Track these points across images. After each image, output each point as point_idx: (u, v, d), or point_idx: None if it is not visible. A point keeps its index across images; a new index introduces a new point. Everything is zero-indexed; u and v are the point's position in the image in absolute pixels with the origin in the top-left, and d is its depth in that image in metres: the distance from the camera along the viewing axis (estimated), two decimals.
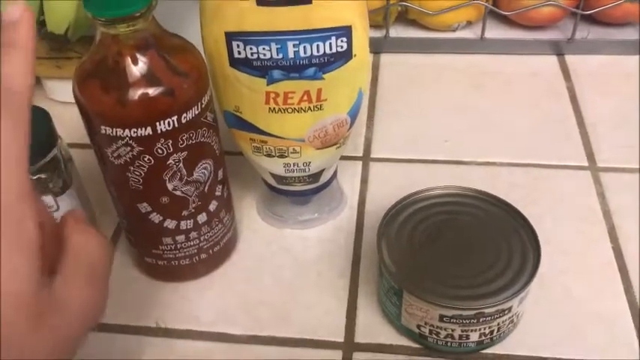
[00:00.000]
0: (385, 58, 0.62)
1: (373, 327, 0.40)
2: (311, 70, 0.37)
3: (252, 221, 0.47)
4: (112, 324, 0.41)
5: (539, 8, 0.59)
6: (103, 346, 0.40)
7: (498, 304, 0.36)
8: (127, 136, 0.34)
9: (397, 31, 0.63)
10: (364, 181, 0.50)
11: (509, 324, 0.38)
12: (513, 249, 0.38)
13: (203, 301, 0.42)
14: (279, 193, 0.45)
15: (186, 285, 0.43)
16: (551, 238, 0.44)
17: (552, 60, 0.62)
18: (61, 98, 0.58)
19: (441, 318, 0.36)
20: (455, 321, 0.36)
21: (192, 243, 0.41)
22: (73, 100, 0.56)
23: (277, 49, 0.36)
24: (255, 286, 0.43)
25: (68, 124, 0.45)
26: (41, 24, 0.50)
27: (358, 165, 0.51)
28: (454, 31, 0.63)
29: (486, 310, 0.36)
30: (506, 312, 0.37)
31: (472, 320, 0.36)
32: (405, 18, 0.63)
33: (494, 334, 0.38)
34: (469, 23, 0.62)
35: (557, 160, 0.51)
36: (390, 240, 0.39)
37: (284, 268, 0.44)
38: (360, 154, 0.52)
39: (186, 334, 0.41)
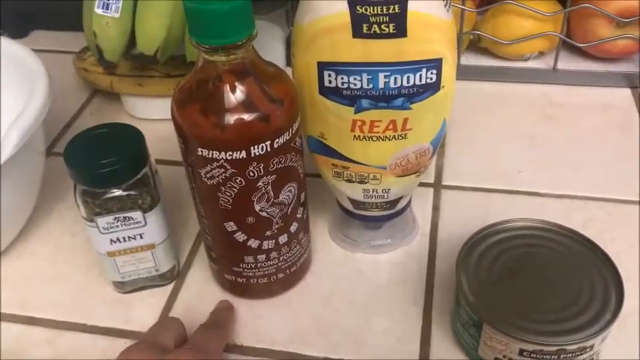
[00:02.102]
0: (456, 86, 0.62)
1: (448, 357, 0.40)
2: (399, 101, 0.37)
3: (324, 244, 0.48)
4: None
5: (614, 41, 0.59)
6: None
7: (581, 341, 0.35)
8: (222, 158, 0.35)
9: (468, 59, 0.63)
10: (436, 208, 0.50)
11: None
12: (595, 285, 0.38)
13: (277, 321, 0.43)
14: (353, 218, 0.46)
15: (262, 304, 0.44)
16: (629, 275, 0.43)
17: (626, 93, 0.61)
18: (140, 115, 0.60)
19: (521, 352, 0.36)
20: (535, 356, 0.36)
21: (271, 262, 0.42)
22: (152, 117, 0.59)
23: (368, 79, 0.36)
24: (329, 308, 0.44)
25: (147, 140, 0.47)
26: (129, 45, 0.53)
27: (429, 192, 0.52)
28: (526, 60, 0.63)
29: (568, 347, 0.36)
30: (587, 350, 0.36)
31: (553, 356, 0.36)
32: (477, 46, 0.64)
33: None
34: (541, 53, 0.62)
35: (633, 195, 0.50)
36: (469, 271, 0.39)
37: (356, 292, 0.45)
38: (432, 181, 0.53)
39: (261, 352, 0.42)
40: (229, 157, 0.35)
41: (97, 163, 0.39)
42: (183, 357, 0.36)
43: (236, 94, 0.35)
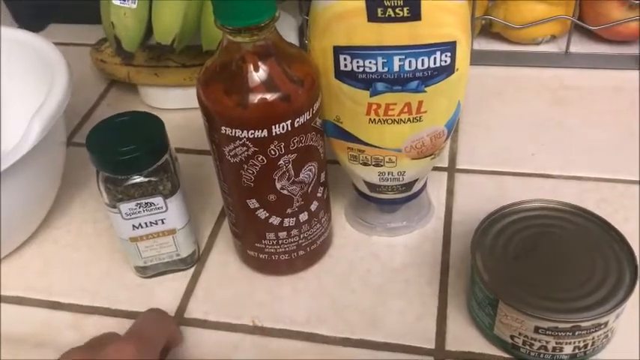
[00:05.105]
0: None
1: (464, 335, 0.41)
2: (414, 84, 0.38)
3: (341, 227, 0.49)
4: (212, 321, 0.44)
5: (626, 23, 0.59)
6: (202, 339, 0.42)
7: (595, 317, 0.36)
8: (244, 137, 0.37)
9: (480, 44, 0.64)
10: (450, 191, 0.51)
11: (603, 338, 0.38)
12: (609, 264, 0.39)
13: (296, 303, 0.44)
14: (369, 201, 0.47)
15: (281, 286, 0.45)
16: None
17: (638, 75, 0.61)
18: (157, 105, 0.61)
19: (537, 329, 0.37)
20: (550, 333, 0.37)
21: (292, 240, 0.43)
22: (168, 107, 0.60)
23: (383, 62, 0.37)
24: (346, 290, 0.45)
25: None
26: (145, 36, 0.53)
27: (444, 176, 0.52)
28: (538, 44, 0.63)
29: (583, 324, 0.36)
30: (602, 326, 0.37)
31: (568, 333, 0.37)
32: (489, 31, 0.64)
33: (589, 347, 0.38)
34: (553, 37, 0.62)
35: None
36: (484, 250, 0.40)
37: (373, 274, 0.46)
38: (446, 165, 0.53)
39: (281, 333, 0.43)
40: (251, 136, 0.36)
41: (119, 151, 0.40)
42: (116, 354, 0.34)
43: (258, 75, 0.36)
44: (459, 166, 0.53)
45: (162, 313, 0.41)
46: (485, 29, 0.64)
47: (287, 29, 0.64)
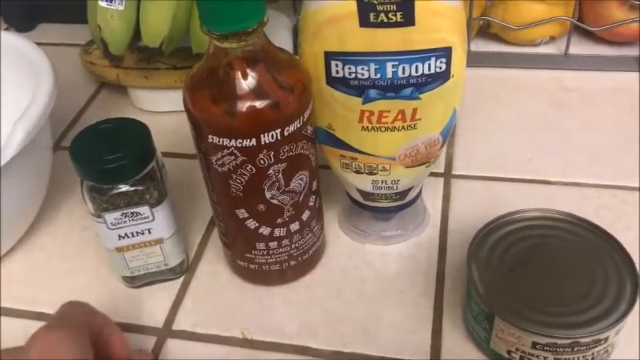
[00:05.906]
0: (465, 73, 0.61)
1: (459, 349, 0.40)
2: (408, 91, 0.37)
3: (334, 235, 0.48)
4: (201, 333, 0.42)
5: (627, 24, 0.58)
6: (190, 352, 0.41)
7: (595, 333, 0.35)
8: (232, 146, 0.35)
9: (478, 46, 0.62)
10: (446, 198, 0.50)
11: (603, 354, 0.37)
12: (609, 277, 0.37)
13: (287, 313, 0.43)
14: (363, 209, 0.45)
15: (272, 296, 0.44)
16: None
17: (639, 77, 0.60)
18: (147, 107, 0.59)
19: (534, 345, 0.36)
20: (548, 349, 0.36)
21: (283, 250, 0.41)
22: (159, 110, 0.59)
23: (376, 69, 0.36)
24: (338, 300, 0.43)
25: (155, 133, 0.46)
26: (134, 38, 0.52)
27: (440, 182, 0.51)
28: (537, 46, 0.61)
29: (582, 340, 0.35)
30: (602, 342, 0.36)
31: (566, 349, 0.35)
32: (487, 32, 0.63)
33: None
34: (552, 38, 0.61)
35: None
36: (480, 262, 0.39)
37: (366, 284, 0.44)
38: (442, 171, 0.52)
39: (270, 345, 0.41)
40: (239, 145, 0.35)
41: (103, 159, 0.38)
42: None
43: (246, 81, 0.35)
44: (455, 172, 0.52)
45: (79, 302, 0.38)
46: (482, 30, 0.63)
47: (281, 29, 0.62)
